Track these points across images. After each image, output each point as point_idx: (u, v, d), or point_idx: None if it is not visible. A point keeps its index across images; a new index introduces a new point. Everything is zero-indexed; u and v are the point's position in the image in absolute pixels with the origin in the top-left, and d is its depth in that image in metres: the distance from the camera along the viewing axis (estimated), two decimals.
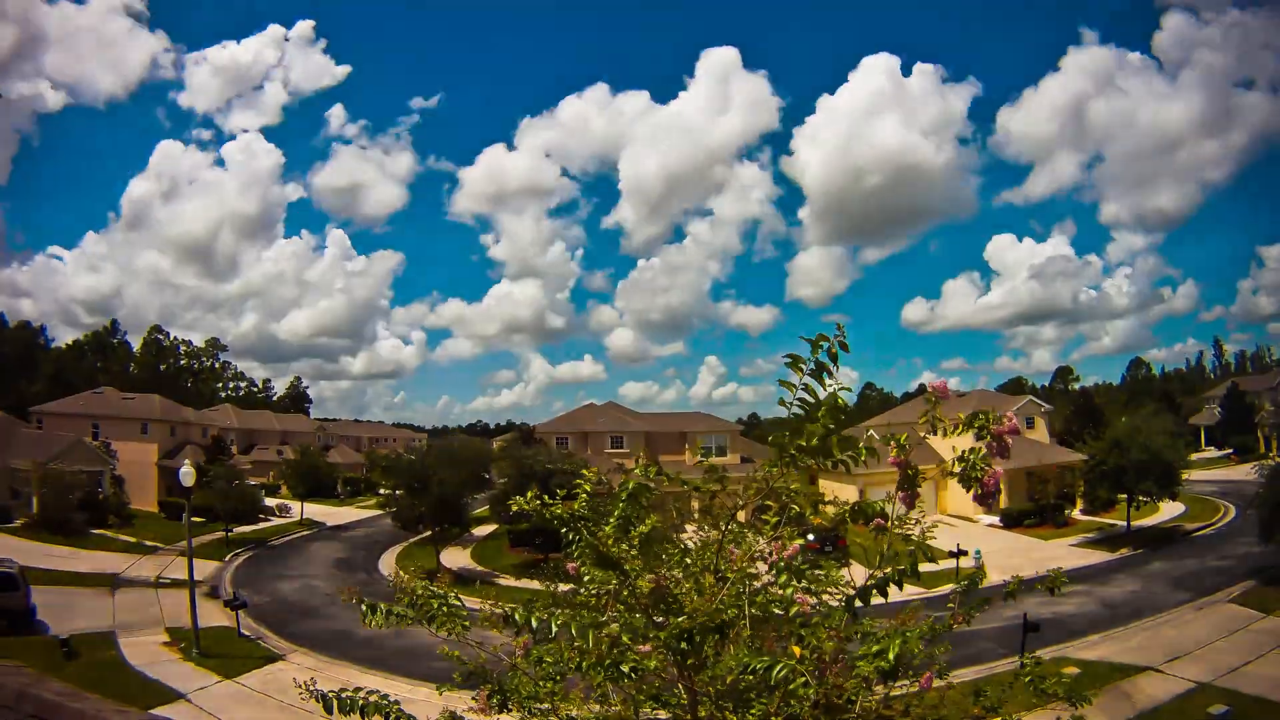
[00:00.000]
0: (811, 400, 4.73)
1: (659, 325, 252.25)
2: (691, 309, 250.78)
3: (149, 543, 57.23)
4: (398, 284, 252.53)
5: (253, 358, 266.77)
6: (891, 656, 4.75)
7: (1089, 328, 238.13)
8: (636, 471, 6.32)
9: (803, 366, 4.70)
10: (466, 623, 6.10)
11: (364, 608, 6.02)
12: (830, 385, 4.74)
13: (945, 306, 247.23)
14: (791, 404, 4.79)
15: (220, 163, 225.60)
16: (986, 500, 5.13)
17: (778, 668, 4.60)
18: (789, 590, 5.57)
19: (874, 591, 5.55)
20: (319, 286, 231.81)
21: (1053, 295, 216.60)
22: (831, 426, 4.79)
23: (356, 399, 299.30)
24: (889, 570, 5.51)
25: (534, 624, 5.50)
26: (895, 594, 5.59)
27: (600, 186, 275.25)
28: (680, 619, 5.23)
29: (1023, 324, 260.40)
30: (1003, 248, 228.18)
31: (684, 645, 5.19)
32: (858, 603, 5.60)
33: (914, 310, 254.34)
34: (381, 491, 63.61)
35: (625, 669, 5.26)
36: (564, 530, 5.98)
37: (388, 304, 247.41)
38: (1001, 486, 5.06)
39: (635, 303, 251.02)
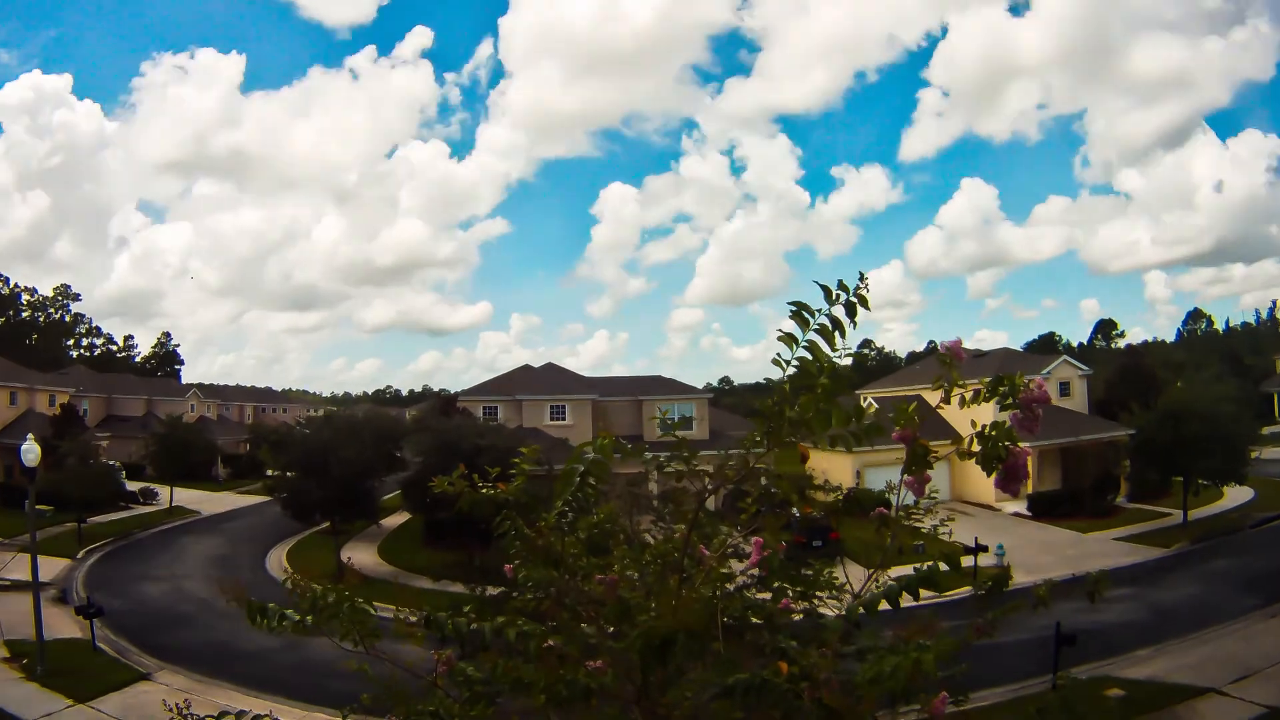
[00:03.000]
0: (813, 361, 4.67)
1: None
2: None
3: None
4: None
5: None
6: (902, 678, 4.71)
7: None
8: (593, 445, 6.25)
9: (810, 319, 4.62)
10: (378, 632, 6.08)
11: (250, 610, 5.99)
12: (840, 347, 4.67)
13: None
14: (789, 364, 4.74)
15: None
16: (1011, 485, 5.03)
17: (777, 681, 4.55)
18: (784, 594, 5.58)
19: (886, 599, 5.54)
20: None
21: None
22: (832, 393, 4.73)
23: (256, 356, 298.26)
24: (918, 568, 5.50)
25: (462, 632, 5.49)
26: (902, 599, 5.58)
27: None
28: (646, 626, 5.20)
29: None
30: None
31: (649, 660, 5.18)
32: (861, 611, 5.57)
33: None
34: (270, 473, 63.16)
35: (591, 685, 5.26)
36: (496, 520, 5.96)
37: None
38: (1030, 468, 5.04)
39: None
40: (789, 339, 4.61)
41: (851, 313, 4.61)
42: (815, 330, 4.60)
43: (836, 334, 4.61)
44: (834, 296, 4.59)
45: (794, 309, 4.60)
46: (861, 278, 4.62)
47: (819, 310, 4.57)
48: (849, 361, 4.80)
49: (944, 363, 4.98)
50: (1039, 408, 4.87)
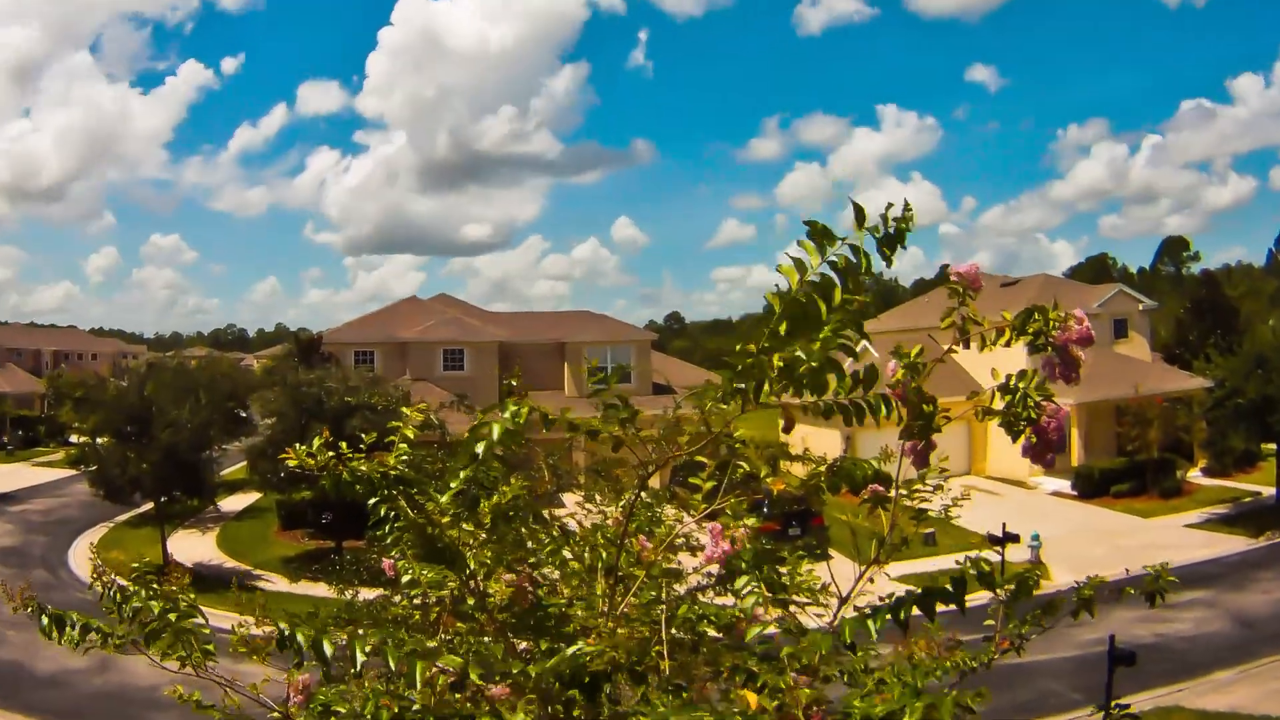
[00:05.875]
0: (821, 301, 4.36)
1: None
2: None
3: None
4: None
5: None
6: None
7: None
8: (503, 410, 6.10)
9: (828, 248, 4.20)
10: (211, 647, 5.98)
11: (45, 620, 5.88)
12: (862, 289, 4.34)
13: None
14: (796, 294, 4.39)
15: None
16: (1042, 453, 4.79)
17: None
18: (749, 599, 5.49)
19: (890, 614, 5.31)
20: None
21: None
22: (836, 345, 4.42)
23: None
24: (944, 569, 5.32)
25: (326, 650, 5.41)
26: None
27: None
28: (573, 648, 5.09)
29: None
30: None
31: (571, 691, 5.09)
32: (856, 630, 5.36)
33: None
34: (75, 439, 62.60)
35: None
36: (372, 501, 5.84)
37: None
38: (1073, 432, 4.90)
39: None
40: (797, 267, 4.31)
41: (890, 246, 4.31)
42: (828, 263, 4.26)
43: (859, 272, 4.25)
44: (865, 220, 4.24)
45: (811, 228, 4.24)
46: (907, 207, 4.31)
47: (842, 239, 4.22)
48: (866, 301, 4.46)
49: (956, 293, 4.72)
50: (1080, 349, 4.65)
